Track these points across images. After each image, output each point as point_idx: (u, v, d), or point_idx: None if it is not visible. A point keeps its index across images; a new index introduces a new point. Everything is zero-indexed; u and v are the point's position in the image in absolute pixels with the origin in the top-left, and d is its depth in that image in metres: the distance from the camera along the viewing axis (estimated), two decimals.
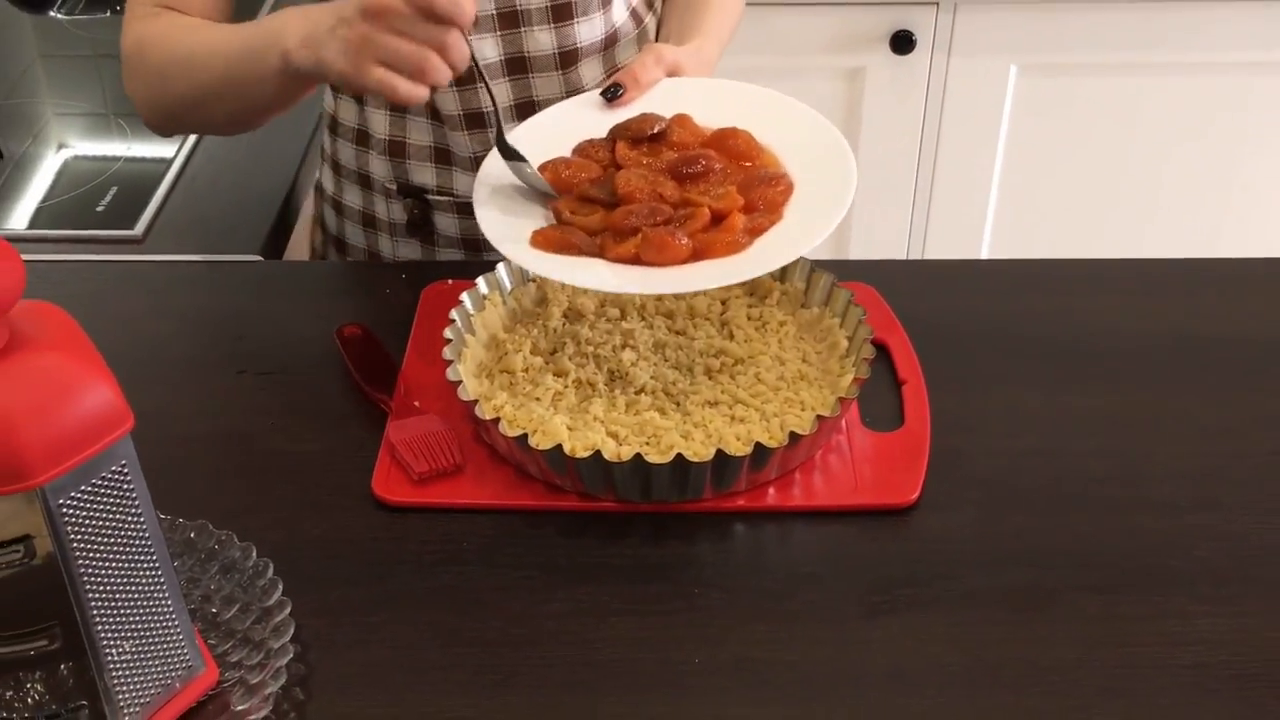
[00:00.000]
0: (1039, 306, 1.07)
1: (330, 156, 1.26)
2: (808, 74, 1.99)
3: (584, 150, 0.98)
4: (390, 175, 1.20)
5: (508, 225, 0.92)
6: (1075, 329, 1.04)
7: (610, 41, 1.15)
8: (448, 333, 0.93)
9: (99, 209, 1.33)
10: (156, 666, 0.71)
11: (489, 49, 1.11)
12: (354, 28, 0.90)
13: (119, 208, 1.32)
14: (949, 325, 1.04)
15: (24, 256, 0.63)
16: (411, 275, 1.11)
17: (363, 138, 1.19)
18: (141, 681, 0.70)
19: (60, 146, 1.47)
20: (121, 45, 1.09)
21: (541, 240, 0.90)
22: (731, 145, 0.96)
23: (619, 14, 1.16)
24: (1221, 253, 2.13)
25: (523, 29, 1.10)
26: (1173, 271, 1.14)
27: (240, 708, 0.74)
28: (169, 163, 1.39)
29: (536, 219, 0.92)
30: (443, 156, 1.16)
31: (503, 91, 1.12)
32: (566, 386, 0.93)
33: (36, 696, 0.69)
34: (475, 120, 1.13)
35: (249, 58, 0.99)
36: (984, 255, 2.16)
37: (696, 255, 0.88)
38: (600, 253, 0.89)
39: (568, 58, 1.13)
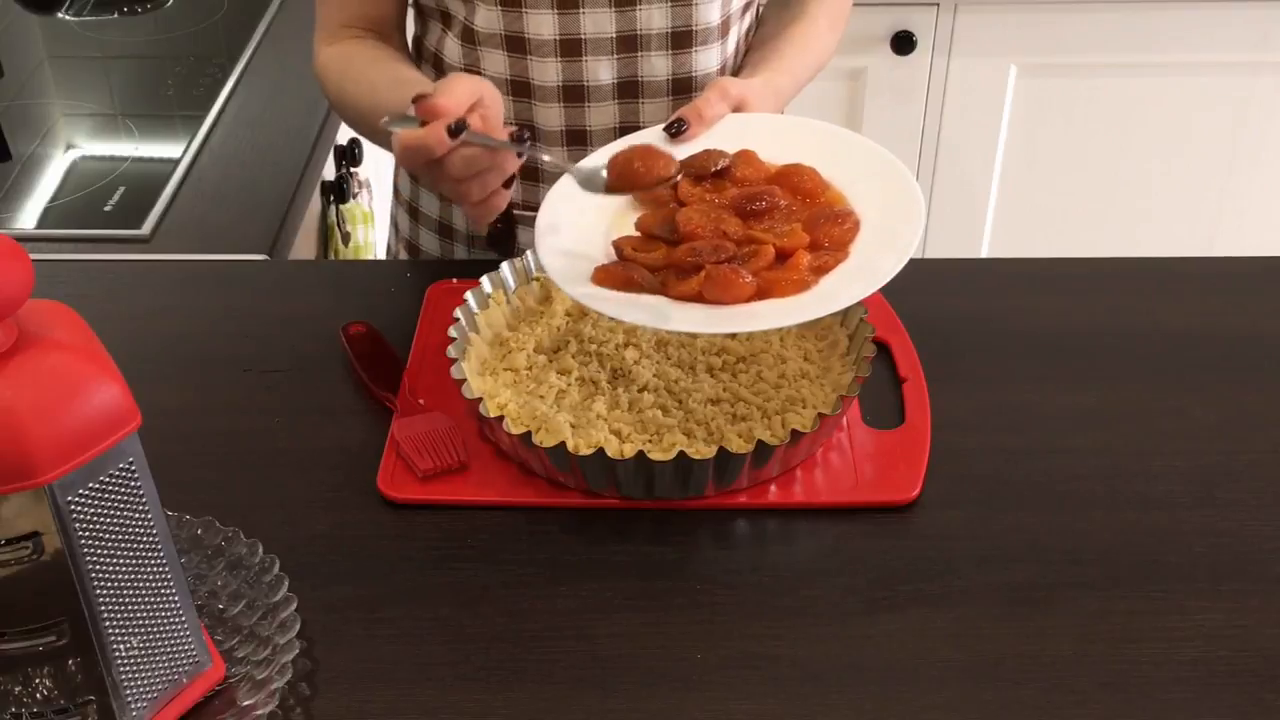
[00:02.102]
0: (1038, 305, 1.07)
1: None
2: None
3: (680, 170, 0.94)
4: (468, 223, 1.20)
5: (570, 263, 0.89)
6: (1074, 327, 1.04)
7: (723, 73, 1.14)
8: (452, 331, 0.94)
9: (107, 209, 1.33)
10: (164, 662, 0.72)
11: (604, 71, 1.10)
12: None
13: (126, 207, 1.33)
14: (949, 324, 1.04)
15: (32, 256, 0.63)
16: (416, 274, 1.12)
17: None
18: (149, 677, 0.71)
19: (68, 147, 1.48)
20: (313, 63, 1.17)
21: (603, 277, 0.87)
22: (796, 182, 0.92)
23: (731, 45, 1.15)
24: (1219, 251, 2.13)
25: (640, 54, 1.10)
26: (1171, 270, 1.14)
27: (246, 703, 0.74)
28: (176, 163, 1.40)
29: (599, 257, 0.90)
30: (530, 173, 1.15)
31: (610, 114, 1.12)
32: (570, 384, 0.93)
33: (45, 692, 0.69)
34: (577, 138, 1.12)
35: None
36: (984, 254, 2.17)
37: (761, 294, 0.84)
38: (662, 290, 0.86)
39: (681, 85, 1.11)
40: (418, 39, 1.19)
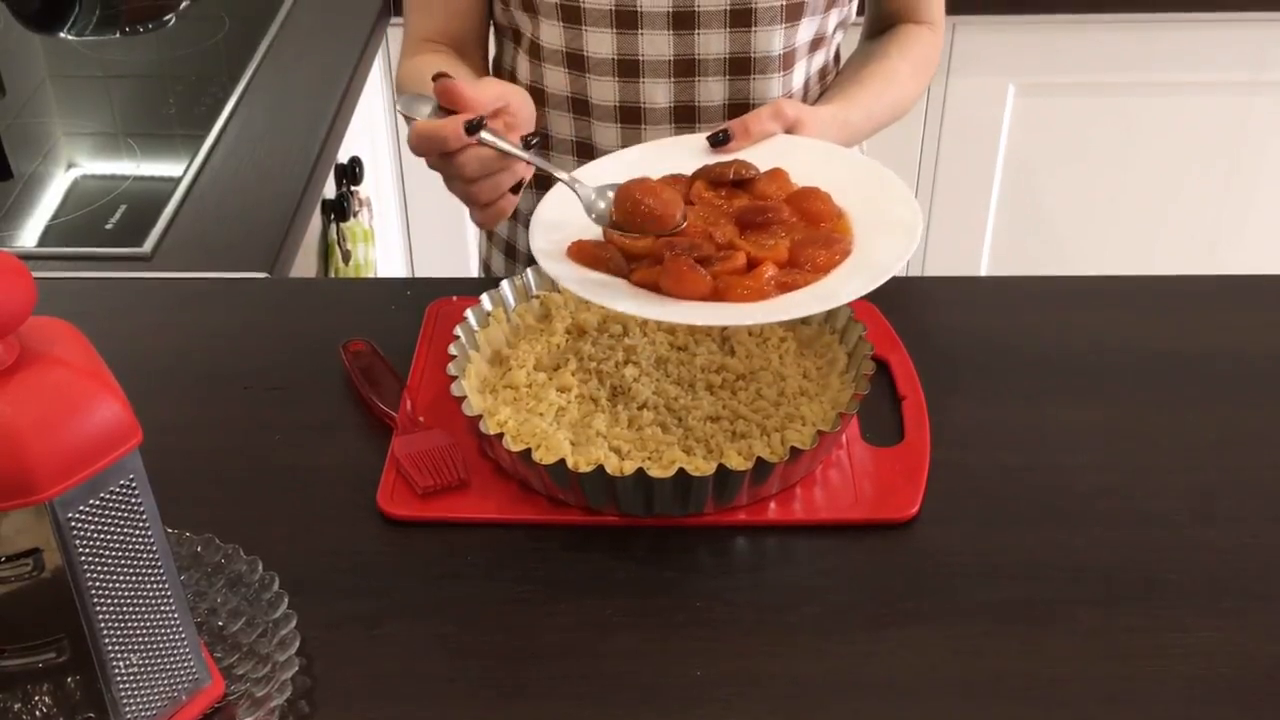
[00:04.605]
0: (1037, 322, 1.07)
1: None
2: None
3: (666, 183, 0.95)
4: (534, 208, 1.21)
5: (555, 236, 0.90)
6: (1073, 345, 1.05)
7: None
8: (452, 348, 0.94)
9: (108, 227, 1.34)
10: (163, 679, 0.71)
11: (660, 94, 1.11)
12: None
13: (128, 226, 1.34)
14: (948, 341, 1.04)
15: (34, 274, 0.63)
16: (416, 292, 1.12)
17: None
18: (148, 694, 0.71)
19: (70, 165, 1.49)
20: None
21: (576, 251, 0.89)
22: (807, 205, 0.92)
23: (798, 79, 1.15)
24: (1217, 269, 2.13)
25: (697, 78, 1.10)
26: (1169, 288, 1.14)
27: None
28: (177, 181, 1.40)
29: (585, 237, 0.91)
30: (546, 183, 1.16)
31: (666, 136, 1.12)
32: (569, 402, 0.94)
33: (44, 709, 0.69)
34: None
35: None
36: (983, 272, 2.17)
37: (716, 295, 0.85)
38: (628, 276, 0.88)
39: (738, 112, 1.11)
40: (496, 60, 1.21)
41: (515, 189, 0.94)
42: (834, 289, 0.86)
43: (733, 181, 0.94)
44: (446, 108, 0.91)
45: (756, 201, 0.93)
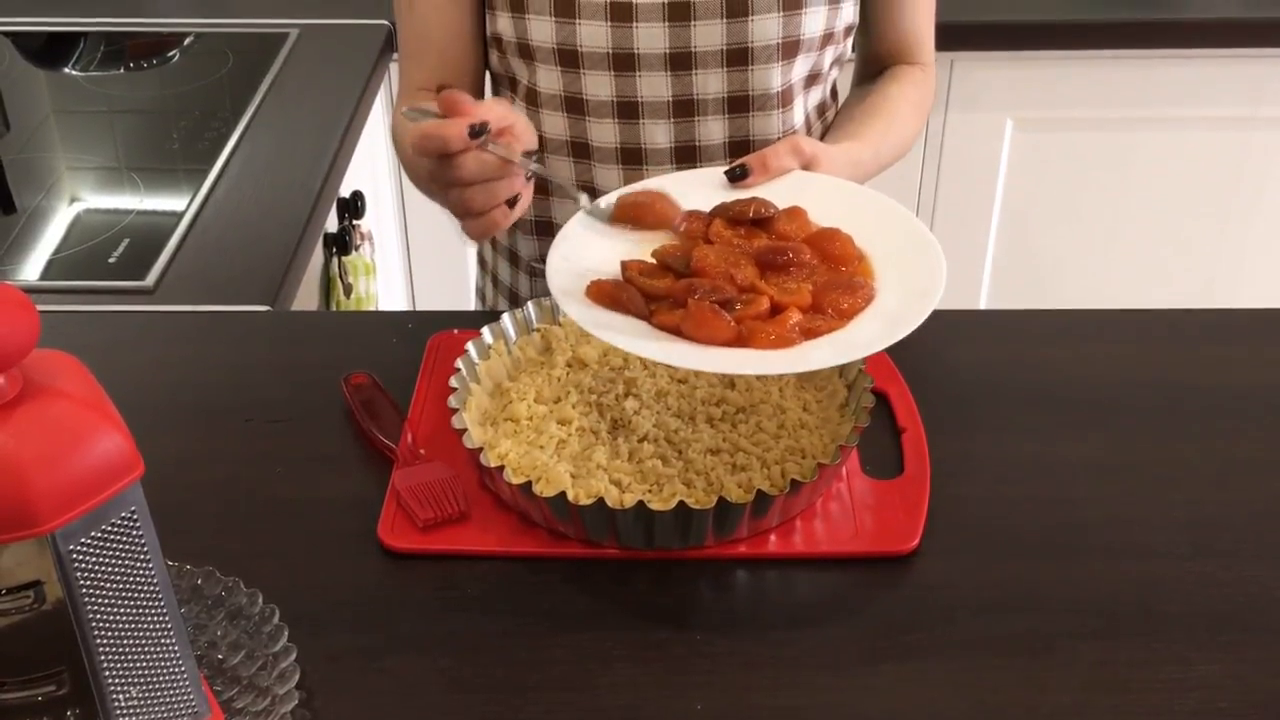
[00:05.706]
0: (1036, 356, 1.08)
1: None
2: None
3: (685, 220, 0.95)
4: (536, 254, 1.22)
5: (572, 278, 0.90)
6: (1072, 378, 1.05)
7: None
8: (453, 381, 0.95)
9: (111, 260, 1.34)
10: (162, 712, 0.71)
11: (661, 135, 1.12)
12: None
13: (131, 259, 1.34)
14: (948, 374, 1.05)
15: (37, 307, 0.64)
16: (417, 325, 1.12)
17: None
18: None
19: (73, 199, 1.50)
20: None
21: (595, 291, 0.88)
22: (828, 246, 0.91)
23: (798, 116, 1.16)
24: (1216, 303, 2.14)
25: (696, 118, 1.11)
26: (1167, 322, 1.15)
27: None
28: (180, 215, 1.41)
29: (603, 275, 0.90)
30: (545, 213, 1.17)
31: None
32: (570, 434, 0.94)
33: None
34: None
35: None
36: (982, 305, 2.18)
37: (739, 340, 0.84)
38: (648, 318, 0.87)
39: (738, 149, 1.12)
40: None
41: (511, 204, 0.94)
42: (865, 344, 0.85)
43: (752, 220, 0.94)
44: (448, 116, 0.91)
45: (777, 242, 0.92)
